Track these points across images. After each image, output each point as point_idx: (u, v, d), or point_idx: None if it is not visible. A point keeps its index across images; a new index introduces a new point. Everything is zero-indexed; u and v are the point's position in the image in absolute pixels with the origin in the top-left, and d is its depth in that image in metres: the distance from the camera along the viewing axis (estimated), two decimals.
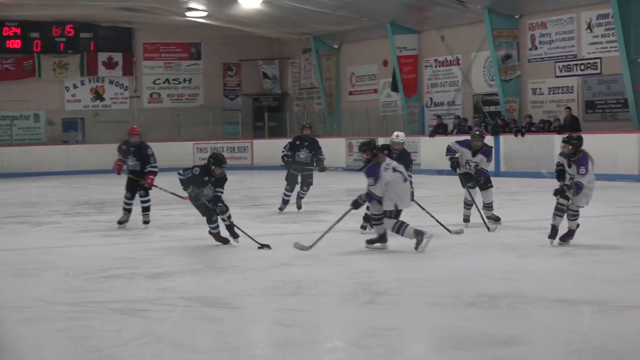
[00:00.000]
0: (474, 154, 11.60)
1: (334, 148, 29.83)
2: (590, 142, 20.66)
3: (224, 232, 10.63)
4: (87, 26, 33.64)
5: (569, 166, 9.88)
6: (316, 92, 35.66)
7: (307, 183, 15.54)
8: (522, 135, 25.43)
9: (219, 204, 10.04)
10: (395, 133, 11.47)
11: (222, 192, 10.05)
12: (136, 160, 13.41)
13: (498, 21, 26.75)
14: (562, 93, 26.08)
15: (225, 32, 34.65)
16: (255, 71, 38.11)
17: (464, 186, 11.91)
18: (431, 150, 27.21)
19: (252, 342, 6.56)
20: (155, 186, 13.36)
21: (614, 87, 24.37)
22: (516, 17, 27.03)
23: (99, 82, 34.65)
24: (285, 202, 15.36)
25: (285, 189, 15.36)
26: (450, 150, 11.66)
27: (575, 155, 9.83)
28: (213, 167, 9.86)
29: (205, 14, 31.80)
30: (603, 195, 16.42)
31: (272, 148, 29.78)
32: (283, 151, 15.71)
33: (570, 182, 9.78)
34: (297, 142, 15.57)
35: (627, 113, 23.63)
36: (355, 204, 9.77)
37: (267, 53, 38.21)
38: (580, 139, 10.10)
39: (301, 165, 15.35)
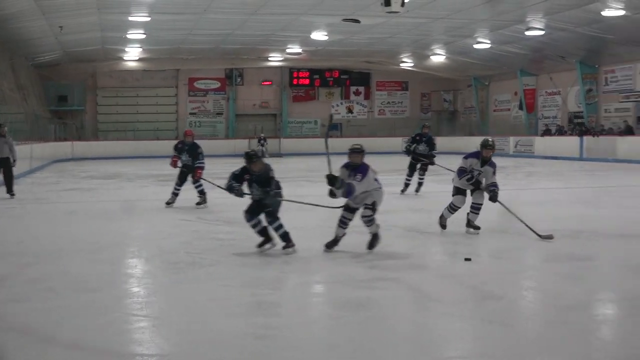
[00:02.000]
0: (482, 164, 9.34)
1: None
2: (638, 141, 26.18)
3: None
4: (344, 71, 39.38)
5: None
6: (474, 110, 40.39)
7: (423, 170, 14.68)
8: (597, 136, 28.87)
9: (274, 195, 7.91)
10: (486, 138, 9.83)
11: (271, 190, 7.85)
12: (189, 157, 13.06)
13: (585, 68, 30.99)
14: (622, 112, 30.06)
15: (422, 74, 39.66)
16: (439, 97, 42.71)
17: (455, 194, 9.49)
18: (542, 144, 32.40)
19: None
20: (203, 179, 12.93)
21: None
22: (596, 66, 31.17)
23: (350, 103, 40.91)
24: (406, 185, 14.63)
25: (407, 175, 14.66)
26: (462, 171, 9.23)
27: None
28: (246, 163, 8.00)
29: (412, 64, 37.52)
30: None
31: (446, 142, 34.40)
32: (407, 143, 15.29)
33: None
34: (417, 137, 14.78)
35: None
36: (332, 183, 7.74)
37: (446, 86, 42.07)
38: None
39: (419, 156, 14.50)
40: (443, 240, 9.39)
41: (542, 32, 26.31)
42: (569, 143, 29.71)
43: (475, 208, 9.39)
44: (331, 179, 7.73)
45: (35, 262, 7.89)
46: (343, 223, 8.16)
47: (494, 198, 9.10)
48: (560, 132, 32.37)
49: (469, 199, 9.42)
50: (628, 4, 21.21)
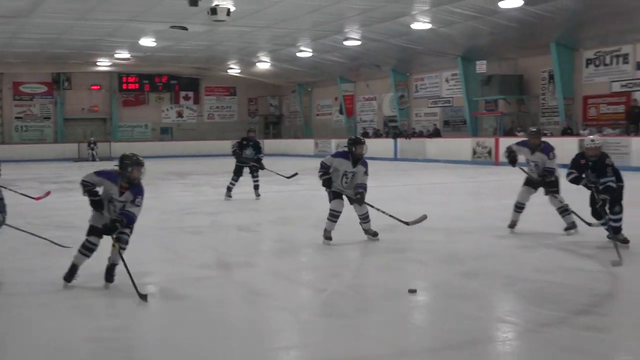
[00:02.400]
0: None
1: (307, 144, 36.58)
2: (445, 142, 27.57)
3: None
4: (173, 77, 38.62)
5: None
6: (298, 114, 40.93)
7: (254, 172, 14.32)
8: (409, 138, 29.96)
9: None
10: (590, 137, 8.38)
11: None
12: (253, 151, 13.94)
13: (397, 76, 32.18)
14: (431, 116, 31.47)
15: (249, 80, 39.88)
16: (265, 102, 42.84)
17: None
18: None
19: None
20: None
21: (459, 113, 29.31)
22: (407, 74, 32.48)
23: (180, 107, 40.20)
24: (228, 189, 14.26)
25: (232, 179, 14.28)
26: (322, 166, 8.47)
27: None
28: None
29: (239, 70, 37.33)
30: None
31: (274, 145, 36.89)
32: (233, 147, 14.75)
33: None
34: (244, 142, 14.45)
35: (465, 127, 28.64)
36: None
37: (272, 92, 42.59)
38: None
39: (247, 160, 14.22)
40: (273, 238, 9.75)
41: (358, 43, 27.03)
42: (385, 145, 30.61)
43: (362, 218, 8.73)
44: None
45: None
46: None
47: (359, 201, 8.46)
48: (377, 134, 33.30)
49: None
50: (434, 18, 22.43)
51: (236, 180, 14.20)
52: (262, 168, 14.23)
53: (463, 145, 26.78)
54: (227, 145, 32.54)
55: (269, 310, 5.89)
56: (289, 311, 5.81)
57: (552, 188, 9.03)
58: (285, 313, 5.78)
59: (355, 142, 8.51)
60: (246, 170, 14.24)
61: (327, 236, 8.52)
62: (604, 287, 6.48)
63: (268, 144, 37.90)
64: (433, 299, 6.43)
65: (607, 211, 7.72)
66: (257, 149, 14.41)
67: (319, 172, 8.47)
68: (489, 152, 25.46)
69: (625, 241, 7.75)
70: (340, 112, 36.85)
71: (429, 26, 23.30)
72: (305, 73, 35.63)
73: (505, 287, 6.70)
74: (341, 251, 8.66)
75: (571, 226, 8.94)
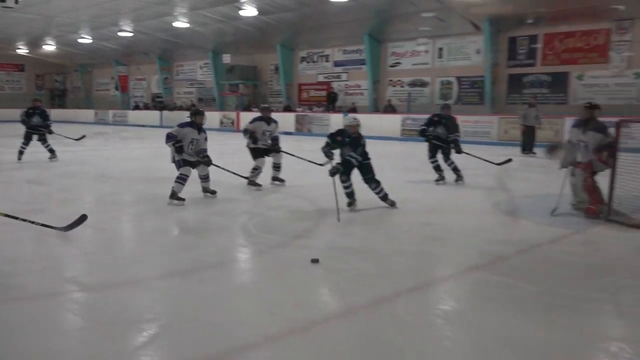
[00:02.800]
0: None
1: (88, 114, 33.85)
2: None
3: None
4: None
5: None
6: (81, 90, 37.36)
7: (43, 138, 12.36)
8: (172, 111, 28.37)
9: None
10: (352, 116, 7.54)
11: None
12: (40, 118, 12.20)
13: (163, 63, 30.97)
14: (189, 94, 30.48)
15: (37, 59, 35.91)
16: (52, 78, 38.64)
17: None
18: (134, 116, 31.12)
19: None
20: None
21: (211, 92, 29.23)
22: (170, 62, 31.14)
23: None
24: (21, 153, 12.08)
25: (22, 144, 12.17)
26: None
27: None
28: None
29: (27, 51, 33.86)
30: None
31: (60, 113, 34.04)
32: (21, 116, 12.45)
33: None
34: (30, 111, 12.33)
35: (215, 103, 28.46)
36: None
37: (57, 70, 38.31)
38: None
39: (35, 127, 12.25)
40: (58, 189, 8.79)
41: (131, 34, 25.96)
42: (152, 115, 29.68)
43: (203, 178, 7.87)
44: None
45: None
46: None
47: (207, 163, 7.60)
48: (147, 107, 31.87)
49: None
50: (191, 19, 22.20)
51: (26, 145, 12.23)
52: (51, 132, 12.47)
53: (213, 117, 26.41)
54: (17, 113, 31.08)
55: (59, 248, 5.35)
56: (75, 247, 5.39)
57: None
58: (72, 249, 5.36)
59: (196, 113, 7.68)
60: (35, 137, 12.31)
61: (177, 197, 7.33)
62: (313, 219, 6.71)
63: (55, 113, 34.85)
64: (191, 234, 6.27)
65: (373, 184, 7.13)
66: (44, 116, 12.59)
67: (170, 142, 7.32)
68: (232, 122, 25.38)
69: (393, 204, 7.15)
70: (116, 88, 34.85)
71: (187, 25, 23.00)
72: (86, 56, 33.18)
73: (245, 221, 6.79)
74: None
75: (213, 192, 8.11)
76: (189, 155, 7.49)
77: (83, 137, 13.99)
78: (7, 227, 5.72)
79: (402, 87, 21.95)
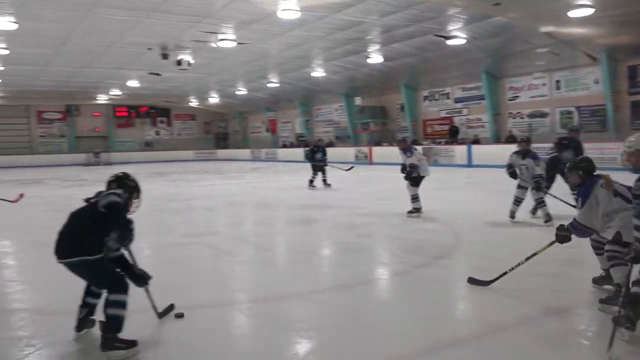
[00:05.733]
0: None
1: (245, 152, 35.36)
2: (337, 150, 28.35)
3: None
4: (152, 107, 36.74)
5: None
6: (239, 132, 38.94)
7: (323, 170, 13.09)
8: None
9: None
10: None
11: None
12: (322, 155, 12.90)
13: (304, 107, 31.05)
14: (327, 133, 30.23)
15: (204, 110, 38.08)
16: (216, 124, 40.30)
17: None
18: (282, 153, 32.58)
19: None
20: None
21: (345, 131, 28.93)
22: (310, 106, 31.45)
23: (157, 128, 37.92)
24: (311, 182, 12.93)
25: (312, 175, 13.11)
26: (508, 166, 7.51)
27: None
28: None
29: (197, 103, 35.95)
30: None
31: (223, 153, 39.08)
32: (306, 153, 13.94)
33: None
34: (315, 149, 13.37)
35: (350, 140, 28.99)
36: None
37: (220, 117, 39.98)
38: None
39: (317, 161, 13.12)
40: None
41: (277, 85, 26.89)
42: (297, 152, 30.06)
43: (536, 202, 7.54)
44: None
45: None
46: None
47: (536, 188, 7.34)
48: (292, 145, 32.44)
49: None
50: (326, 69, 22.72)
51: (315, 175, 13.21)
52: (326, 165, 13.33)
53: (349, 152, 26.28)
54: (191, 153, 35.71)
55: (232, 265, 5.58)
56: (244, 264, 5.56)
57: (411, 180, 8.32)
58: (242, 265, 5.53)
59: (522, 141, 7.59)
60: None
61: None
62: (451, 241, 6.50)
63: (220, 153, 37.93)
64: (338, 253, 6.28)
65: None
66: (324, 153, 13.44)
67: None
68: (366, 156, 25.10)
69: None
70: (267, 130, 35.85)
71: (323, 74, 23.38)
72: (242, 104, 34.74)
73: (388, 243, 6.66)
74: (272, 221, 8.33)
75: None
76: (523, 180, 7.37)
77: (351, 167, 14.59)
78: (186, 247, 6.06)
79: (522, 118, 20.72)
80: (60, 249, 3.05)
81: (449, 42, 16.87)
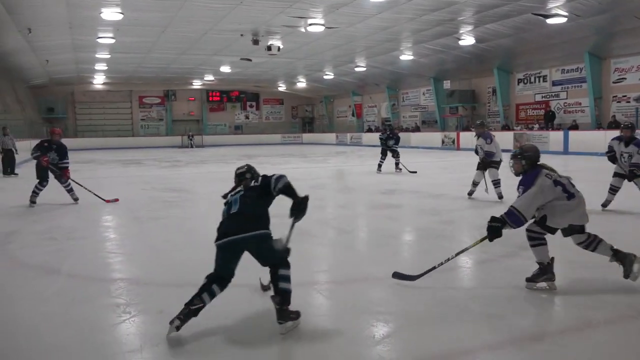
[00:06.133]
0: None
1: (330, 137, 35.78)
2: (423, 135, 27.94)
3: None
4: (242, 92, 37.81)
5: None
6: (325, 117, 39.34)
7: (394, 154, 13.03)
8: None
9: None
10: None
11: None
12: (394, 141, 12.86)
13: (391, 91, 31.00)
14: (413, 117, 30.34)
15: (292, 94, 38.75)
16: (303, 109, 41.10)
17: None
18: (367, 137, 32.23)
19: None
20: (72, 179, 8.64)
21: (433, 115, 28.68)
22: (397, 90, 31.21)
23: (247, 112, 39.14)
24: (379, 166, 13.01)
25: (380, 159, 13.25)
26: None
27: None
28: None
29: (285, 87, 36.38)
30: None
31: (309, 137, 39.64)
32: (381, 137, 13.52)
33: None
34: (390, 134, 13.35)
35: (437, 124, 28.37)
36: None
37: (307, 102, 40.63)
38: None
39: (387, 147, 13.17)
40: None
41: (364, 69, 26.84)
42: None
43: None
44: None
45: (40, 219, 7.38)
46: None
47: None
48: (377, 130, 31.06)
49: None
50: (415, 52, 22.27)
51: (383, 159, 13.27)
52: (397, 152, 13.29)
53: (435, 137, 26.12)
54: (279, 137, 36.56)
55: (314, 246, 5.54)
56: (325, 246, 5.57)
57: (487, 165, 8.23)
58: (323, 247, 5.50)
59: (625, 127, 7.11)
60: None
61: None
62: None
63: (305, 137, 38.55)
64: (419, 238, 6.21)
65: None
66: (397, 140, 13.48)
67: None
68: (453, 141, 24.80)
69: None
70: (353, 115, 35.96)
71: (411, 57, 23.02)
72: (329, 89, 35.01)
73: (470, 230, 6.49)
74: (354, 205, 8.28)
75: (499, 195, 8.22)
76: (622, 168, 7.12)
77: (415, 172, 12.83)
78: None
79: (628, 102, 19.16)
80: (237, 227, 3.24)
81: (548, 20, 15.89)
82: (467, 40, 19.28)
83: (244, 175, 3.55)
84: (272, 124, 40.27)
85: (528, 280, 3.95)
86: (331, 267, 4.90)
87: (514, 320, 3.40)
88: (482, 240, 3.99)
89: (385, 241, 5.91)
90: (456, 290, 4.12)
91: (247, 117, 39.91)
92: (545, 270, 3.88)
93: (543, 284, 3.85)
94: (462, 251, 4.10)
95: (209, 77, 31.41)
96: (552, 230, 3.86)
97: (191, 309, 3.09)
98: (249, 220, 3.26)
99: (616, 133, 7.39)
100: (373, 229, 6.75)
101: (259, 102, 40.17)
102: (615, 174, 7.14)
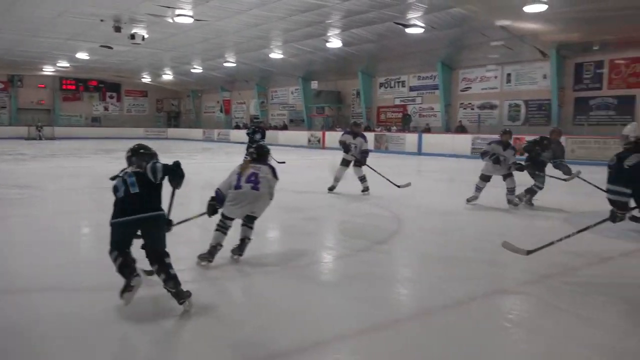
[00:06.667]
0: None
1: (197, 132, 34.87)
2: (290, 134, 29.07)
3: None
4: (101, 81, 35.57)
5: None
6: (192, 112, 38.23)
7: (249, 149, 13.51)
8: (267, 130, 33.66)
9: None
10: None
11: None
12: (261, 137, 12.70)
13: (259, 88, 31.27)
14: (281, 116, 31.04)
15: (157, 86, 37.32)
16: (169, 102, 39.67)
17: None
18: (235, 134, 31.61)
19: None
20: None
21: (300, 114, 30.13)
22: (266, 87, 31.26)
23: (106, 104, 36.80)
24: None
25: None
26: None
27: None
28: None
29: (150, 79, 34.82)
30: None
31: (173, 132, 37.91)
32: (247, 132, 13.65)
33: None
34: (255, 129, 13.36)
35: (304, 123, 28.86)
36: None
37: (173, 95, 39.41)
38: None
39: (252, 142, 12.17)
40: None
41: (234, 65, 26.46)
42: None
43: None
44: None
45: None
46: None
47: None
48: (246, 127, 32.22)
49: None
50: (284, 51, 22.55)
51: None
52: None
53: (302, 136, 26.54)
54: (141, 131, 34.16)
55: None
56: (187, 244, 5.50)
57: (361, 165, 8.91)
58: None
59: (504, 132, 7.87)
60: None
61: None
62: (394, 227, 6.63)
63: (171, 132, 37.05)
64: (281, 236, 6.34)
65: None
66: (263, 134, 13.20)
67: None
68: (319, 140, 25.37)
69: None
70: (221, 111, 35.50)
71: (281, 56, 23.24)
72: (197, 83, 34.05)
73: (333, 227, 6.75)
74: None
75: (365, 188, 8.86)
76: (498, 170, 7.73)
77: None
78: None
79: (472, 109, 21.31)
80: (137, 206, 3.47)
81: (408, 30, 17.08)
82: (335, 43, 20.02)
83: (137, 155, 3.74)
84: (135, 118, 38.19)
85: (201, 257, 4.49)
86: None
87: (366, 310, 3.61)
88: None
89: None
90: (314, 285, 4.26)
91: (106, 109, 37.44)
92: (215, 250, 4.55)
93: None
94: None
95: (63, 64, 28.86)
96: None
97: (132, 285, 3.29)
98: (146, 201, 3.46)
99: (464, 136, 8.16)
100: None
101: (120, 93, 37.88)
102: (485, 176, 7.84)
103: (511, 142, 7.72)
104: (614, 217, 4.12)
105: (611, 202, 4.14)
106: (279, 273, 4.53)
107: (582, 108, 17.88)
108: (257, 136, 13.29)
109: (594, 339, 3.19)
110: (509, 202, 7.66)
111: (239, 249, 4.62)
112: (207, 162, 16.74)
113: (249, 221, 4.68)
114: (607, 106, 17.28)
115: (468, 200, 7.87)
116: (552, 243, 4.56)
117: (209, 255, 4.48)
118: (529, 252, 4.52)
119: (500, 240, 5.03)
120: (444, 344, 3.12)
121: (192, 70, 29.47)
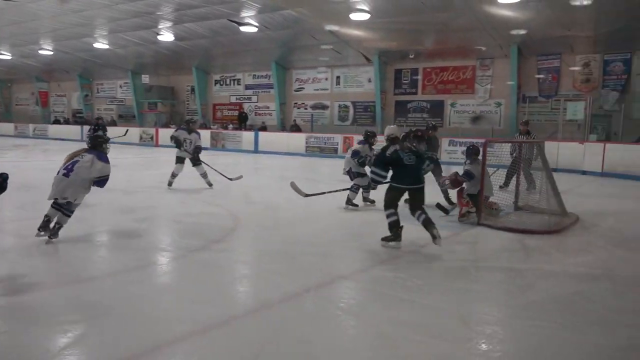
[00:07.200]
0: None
1: (8, 127, 31.12)
2: (120, 129, 26.45)
3: None
4: None
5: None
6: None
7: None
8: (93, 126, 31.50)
9: None
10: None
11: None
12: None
13: (83, 80, 28.68)
14: (109, 111, 28.81)
15: None
16: None
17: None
18: (53, 130, 28.75)
19: None
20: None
21: (131, 110, 28.06)
22: (90, 80, 29.20)
23: None
24: None
25: None
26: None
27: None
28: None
29: None
30: None
31: None
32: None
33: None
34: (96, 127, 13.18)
35: (135, 119, 27.34)
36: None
37: None
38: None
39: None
40: None
41: (51, 53, 24.24)
42: (73, 130, 27.66)
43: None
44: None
45: None
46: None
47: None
48: (67, 122, 29.69)
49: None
50: (111, 41, 21.19)
51: None
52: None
53: (134, 133, 25.10)
54: None
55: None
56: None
57: (197, 161, 9.08)
58: None
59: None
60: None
61: (352, 203, 7.86)
62: (230, 225, 6.63)
63: None
64: (112, 238, 5.96)
65: None
66: (105, 131, 12.35)
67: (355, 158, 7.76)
68: (151, 138, 24.52)
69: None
70: (37, 104, 31.96)
71: (107, 47, 21.82)
72: (6, 71, 29.89)
73: (166, 227, 6.56)
74: None
75: (209, 183, 9.17)
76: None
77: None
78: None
79: (306, 109, 22.18)
80: None
81: (242, 28, 17.19)
82: (167, 36, 19.33)
83: None
84: None
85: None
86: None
87: (202, 310, 3.55)
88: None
89: (74, 245, 5.45)
90: (149, 288, 4.09)
91: None
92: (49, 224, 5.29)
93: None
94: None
95: None
96: None
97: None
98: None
99: (298, 135, 8.45)
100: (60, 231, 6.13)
101: None
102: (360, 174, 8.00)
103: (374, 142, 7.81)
104: (370, 187, 6.84)
105: (373, 180, 5.66)
106: (110, 279, 4.27)
107: (402, 110, 19.74)
108: (100, 132, 12.45)
109: (415, 318, 3.56)
110: (348, 201, 7.69)
111: (52, 231, 5.19)
112: (20, 162, 14.97)
113: (64, 207, 5.15)
114: (422, 109, 19.34)
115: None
116: (323, 193, 7.21)
117: (44, 229, 5.11)
118: (306, 195, 6.75)
119: (332, 234, 5.28)
120: (280, 337, 3.23)
121: (0, 57, 26.18)
